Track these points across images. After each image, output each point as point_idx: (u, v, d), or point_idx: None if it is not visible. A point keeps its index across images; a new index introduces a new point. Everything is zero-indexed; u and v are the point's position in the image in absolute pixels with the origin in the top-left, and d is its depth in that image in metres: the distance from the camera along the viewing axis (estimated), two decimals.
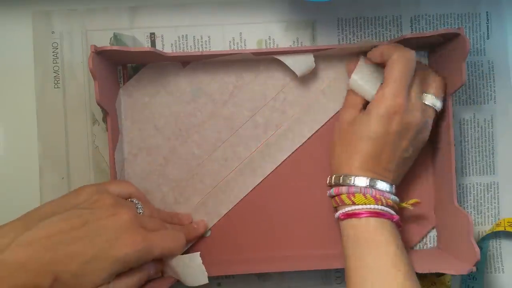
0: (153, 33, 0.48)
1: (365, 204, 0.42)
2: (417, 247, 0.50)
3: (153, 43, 0.48)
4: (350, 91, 0.46)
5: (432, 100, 0.44)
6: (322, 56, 0.48)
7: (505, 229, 0.48)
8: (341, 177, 0.44)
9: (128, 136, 0.48)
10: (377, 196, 0.42)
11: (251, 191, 0.49)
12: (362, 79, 0.45)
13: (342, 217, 0.43)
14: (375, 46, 0.45)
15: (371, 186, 0.43)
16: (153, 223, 0.42)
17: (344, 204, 0.43)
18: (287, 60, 0.46)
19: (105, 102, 0.43)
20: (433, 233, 0.50)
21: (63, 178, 0.47)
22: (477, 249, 0.42)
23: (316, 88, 0.49)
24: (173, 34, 0.48)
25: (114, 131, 0.45)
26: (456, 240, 0.45)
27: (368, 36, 0.49)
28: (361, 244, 0.42)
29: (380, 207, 0.42)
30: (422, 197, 0.48)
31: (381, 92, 0.43)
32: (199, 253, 0.42)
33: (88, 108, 0.48)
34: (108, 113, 0.44)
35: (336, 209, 0.45)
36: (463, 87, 0.48)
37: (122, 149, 0.47)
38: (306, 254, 0.48)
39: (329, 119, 0.49)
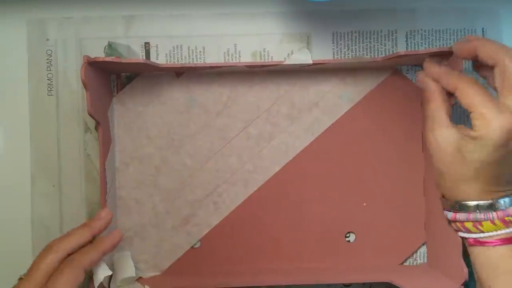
0: (148, 43, 0.48)
1: (495, 230, 0.39)
2: (407, 263, 0.49)
3: (147, 53, 0.48)
4: (432, 103, 0.41)
5: None
6: (316, 69, 0.48)
7: None
8: (459, 204, 0.40)
9: (120, 145, 0.48)
10: (506, 218, 0.39)
11: (242, 202, 0.49)
12: None
13: (472, 242, 0.40)
14: (370, 62, 0.45)
15: (496, 208, 0.39)
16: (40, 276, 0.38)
17: (470, 232, 0.40)
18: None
19: (96, 112, 0.43)
20: (423, 249, 0.49)
21: (54, 185, 0.48)
22: (466, 269, 0.42)
23: (309, 101, 0.49)
24: (167, 44, 0.48)
25: (106, 141, 0.45)
26: (446, 257, 0.45)
27: (363, 51, 0.49)
28: (493, 272, 0.39)
29: (510, 230, 0.39)
30: (413, 213, 0.48)
31: (499, 108, 0.37)
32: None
33: (80, 116, 0.48)
34: (100, 123, 0.44)
35: (457, 232, 0.42)
36: (455, 104, 0.47)
37: (114, 158, 0.47)
38: (296, 268, 0.48)
39: (322, 133, 0.49)
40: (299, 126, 0.49)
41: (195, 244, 0.48)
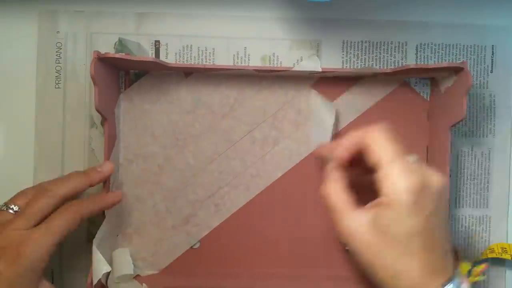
0: (158, 41, 0.48)
1: None
2: None
3: (157, 51, 0.48)
4: (327, 191, 0.39)
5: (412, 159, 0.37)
6: (324, 77, 0.48)
7: (501, 255, 0.47)
8: None
9: (125, 141, 0.48)
10: None
11: (243, 206, 0.49)
12: None
13: None
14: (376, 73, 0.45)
15: None
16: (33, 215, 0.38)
17: None
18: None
19: (104, 108, 0.43)
20: None
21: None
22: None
23: None
24: (177, 43, 0.48)
25: (111, 137, 0.45)
26: None
27: (372, 61, 0.49)
28: None
29: None
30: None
31: (381, 176, 0.35)
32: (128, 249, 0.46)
33: (87, 110, 0.48)
34: (106, 119, 0.44)
35: None
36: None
37: (118, 154, 0.47)
38: (294, 273, 0.48)
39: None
40: (304, 132, 0.49)
41: (194, 245, 0.48)
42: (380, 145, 0.36)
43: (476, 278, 0.40)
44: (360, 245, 0.36)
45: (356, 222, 0.36)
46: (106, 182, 0.44)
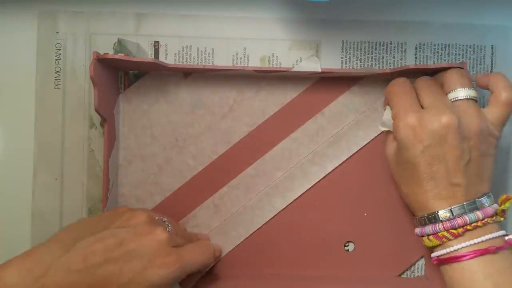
0: (157, 42, 0.48)
1: (456, 243, 0.38)
2: (404, 275, 0.49)
3: (156, 52, 0.48)
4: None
5: (459, 93, 0.41)
6: (324, 77, 0.48)
7: None
8: (424, 218, 0.41)
9: (124, 142, 0.48)
10: (468, 226, 0.38)
11: (242, 206, 0.48)
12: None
13: (435, 262, 0.40)
14: (377, 73, 0.45)
15: (454, 216, 0.39)
16: (182, 240, 0.41)
17: (437, 246, 0.40)
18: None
19: (103, 109, 0.43)
20: (422, 261, 0.49)
21: (56, 179, 0.47)
22: None
23: (315, 108, 0.49)
24: (177, 44, 0.48)
25: (111, 138, 0.45)
26: None
27: (372, 61, 0.49)
28: None
29: (474, 241, 0.38)
30: (412, 226, 0.48)
31: (393, 117, 0.42)
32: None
33: (86, 111, 0.48)
34: (106, 120, 0.44)
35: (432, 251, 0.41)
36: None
37: (117, 155, 0.47)
38: (294, 274, 0.48)
39: (325, 141, 0.49)
40: (303, 133, 0.49)
41: None
42: (393, 94, 0.43)
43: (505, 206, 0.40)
44: (390, 167, 0.44)
45: (390, 148, 0.43)
46: (104, 183, 0.44)
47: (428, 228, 0.40)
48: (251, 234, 0.49)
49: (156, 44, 0.48)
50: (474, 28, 0.49)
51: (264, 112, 0.49)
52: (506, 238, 0.39)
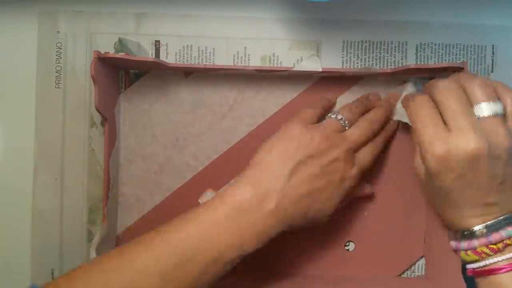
0: (158, 41, 0.48)
1: (496, 256, 0.38)
2: (405, 275, 0.49)
3: (157, 51, 0.48)
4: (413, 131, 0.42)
5: (484, 109, 0.37)
6: (324, 77, 0.48)
7: None
8: (459, 233, 0.40)
9: (125, 141, 0.48)
10: (507, 241, 0.38)
11: None
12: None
13: (470, 274, 0.40)
14: (378, 73, 0.45)
15: (490, 231, 0.38)
16: (361, 135, 0.43)
17: (473, 260, 0.40)
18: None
19: (104, 108, 0.43)
20: (422, 261, 0.49)
21: (56, 179, 0.47)
22: (464, 285, 0.41)
23: None
24: (177, 44, 0.48)
25: (111, 137, 0.45)
26: (444, 271, 0.45)
27: (372, 60, 0.49)
28: None
29: (505, 256, 0.38)
30: (413, 225, 0.48)
31: (417, 143, 0.39)
32: None
33: (87, 110, 0.48)
34: (107, 119, 0.44)
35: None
36: None
37: (117, 154, 0.47)
38: (294, 274, 0.48)
39: None
40: None
41: None
42: (416, 115, 0.40)
43: None
44: (420, 184, 0.43)
45: (420, 167, 0.41)
46: (105, 183, 0.44)
47: (464, 244, 0.39)
48: None
49: (157, 44, 0.48)
50: (474, 28, 0.49)
51: (264, 112, 0.49)
52: None
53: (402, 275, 0.49)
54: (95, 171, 0.48)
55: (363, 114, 0.45)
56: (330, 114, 0.45)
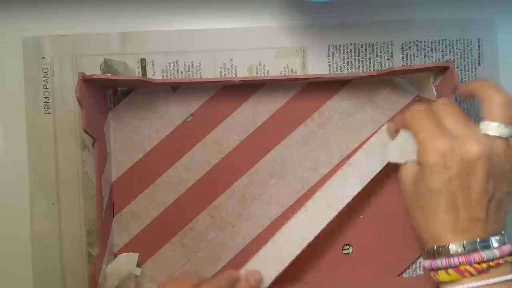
0: (144, 59, 0.48)
1: (469, 281, 0.36)
2: (407, 273, 0.50)
3: (143, 69, 0.49)
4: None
5: (492, 129, 0.38)
6: (311, 83, 0.48)
7: None
8: (433, 250, 0.38)
9: (117, 159, 0.48)
10: (484, 265, 0.36)
11: (239, 215, 0.49)
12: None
13: None
14: (364, 76, 0.45)
15: (466, 251, 0.36)
16: None
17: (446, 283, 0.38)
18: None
19: (92, 129, 0.44)
20: (421, 259, 0.50)
21: (53, 203, 0.48)
22: None
23: (305, 114, 0.49)
24: (164, 60, 0.49)
25: (102, 157, 0.46)
26: None
27: (359, 63, 0.49)
28: None
29: (487, 281, 0.36)
30: (409, 224, 0.48)
31: (418, 141, 0.39)
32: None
33: (78, 133, 0.48)
34: (96, 140, 0.44)
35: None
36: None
37: (110, 172, 0.48)
38: (293, 279, 0.49)
39: (317, 145, 0.49)
40: (294, 139, 0.49)
41: (191, 258, 0.49)
42: (417, 120, 0.40)
43: None
44: (404, 193, 0.41)
45: (408, 172, 0.41)
46: (98, 203, 0.44)
47: (441, 261, 0.37)
48: (250, 241, 0.49)
49: (143, 62, 0.49)
50: (459, 22, 0.49)
51: (254, 121, 0.49)
52: None
53: (404, 274, 0.50)
54: (90, 194, 0.48)
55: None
56: None
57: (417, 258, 0.50)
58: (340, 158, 0.49)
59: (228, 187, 0.49)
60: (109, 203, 0.47)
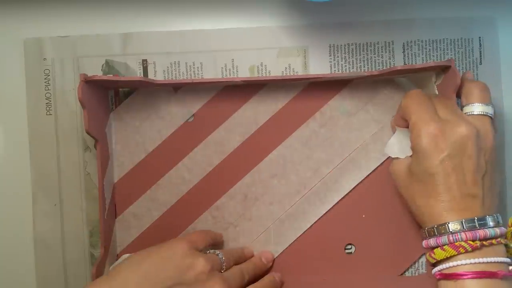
0: (145, 60, 0.48)
1: (465, 258, 0.38)
2: (409, 272, 0.49)
3: (145, 70, 0.49)
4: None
5: (476, 108, 0.42)
6: (313, 82, 0.48)
7: None
8: (433, 229, 0.40)
9: (118, 160, 0.48)
10: (478, 243, 0.38)
11: (240, 215, 0.49)
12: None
13: (438, 276, 0.39)
14: (366, 76, 0.45)
15: (465, 229, 0.38)
16: (236, 280, 0.43)
17: (441, 260, 0.39)
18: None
19: (94, 130, 0.44)
20: (423, 259, 0.49)
21: (55, 204, 0.48)
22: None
23: (307, 114, 0.49)
24: (165, 61, 0.49)
25: (104, 158, 0.46)
26: None
27: (360, 62, 0.49)
28: None
29: (482, 259, 0.37)
30: (411, 223, 0.48)
31: (411, 127, 0.41)
32: None
33: (80, 134, 0.48)
34: (98, 141, 0.44)
35: (434, 266, 0.41)
36: None
37: (112, 173, 0.48)
38: (296, 280, 0.49)
39: (319, 145, 0.49)
40: (296, 139, 0.49)
41: None
42: (411, 105, 0.42)
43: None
44: (399, 185, 0.44)
45: (400, 163, 0.44)
46: (100, 204, 0.44)
47: (444, 238, 0.39)
48: (252, 241, 0.49)
49: (144, 62, 0.49)
50: (460, 21, 0.49)
51: (256, 121, 0.49)
52: (510, 267, 0.38)
53: (406, 273, 0.50)
54: (92, 195, 0.48)
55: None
56: (209, 250, 0.44)
57: (420, 257, 0.49)
58: (342, 158, 0.49)
59: (230, 188, 0.49)
60: (111, 204, 0.47)
